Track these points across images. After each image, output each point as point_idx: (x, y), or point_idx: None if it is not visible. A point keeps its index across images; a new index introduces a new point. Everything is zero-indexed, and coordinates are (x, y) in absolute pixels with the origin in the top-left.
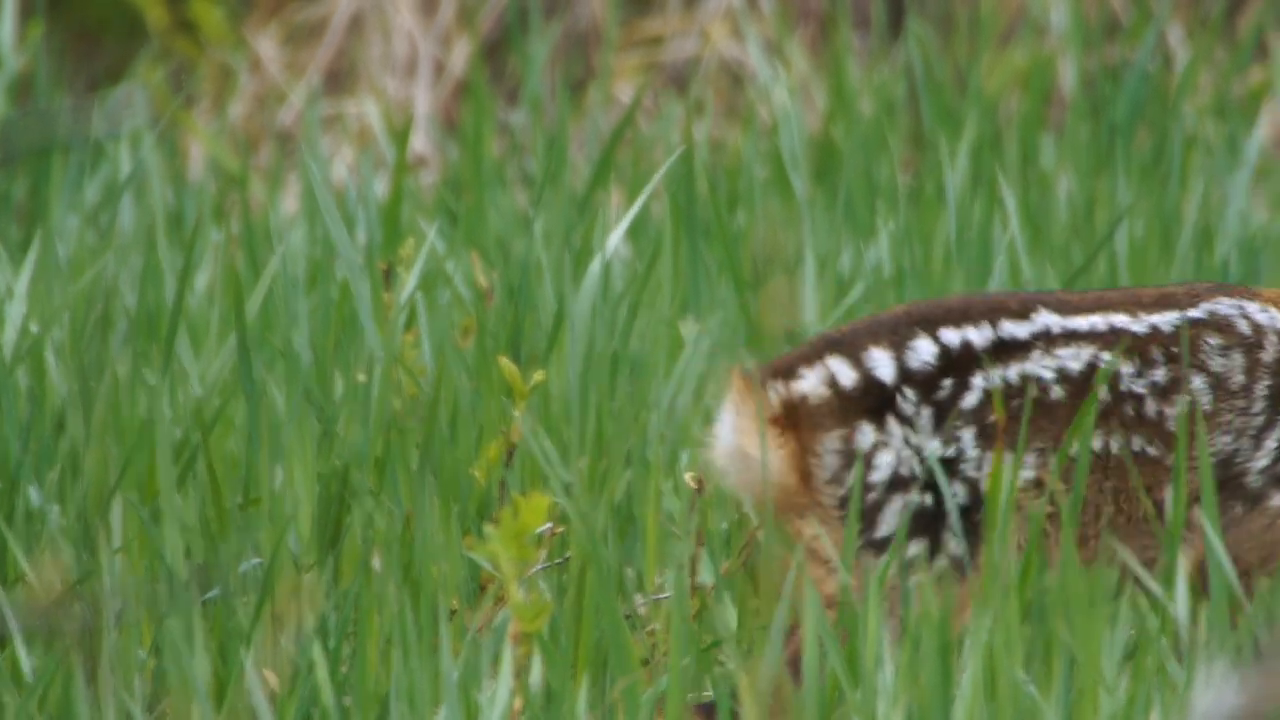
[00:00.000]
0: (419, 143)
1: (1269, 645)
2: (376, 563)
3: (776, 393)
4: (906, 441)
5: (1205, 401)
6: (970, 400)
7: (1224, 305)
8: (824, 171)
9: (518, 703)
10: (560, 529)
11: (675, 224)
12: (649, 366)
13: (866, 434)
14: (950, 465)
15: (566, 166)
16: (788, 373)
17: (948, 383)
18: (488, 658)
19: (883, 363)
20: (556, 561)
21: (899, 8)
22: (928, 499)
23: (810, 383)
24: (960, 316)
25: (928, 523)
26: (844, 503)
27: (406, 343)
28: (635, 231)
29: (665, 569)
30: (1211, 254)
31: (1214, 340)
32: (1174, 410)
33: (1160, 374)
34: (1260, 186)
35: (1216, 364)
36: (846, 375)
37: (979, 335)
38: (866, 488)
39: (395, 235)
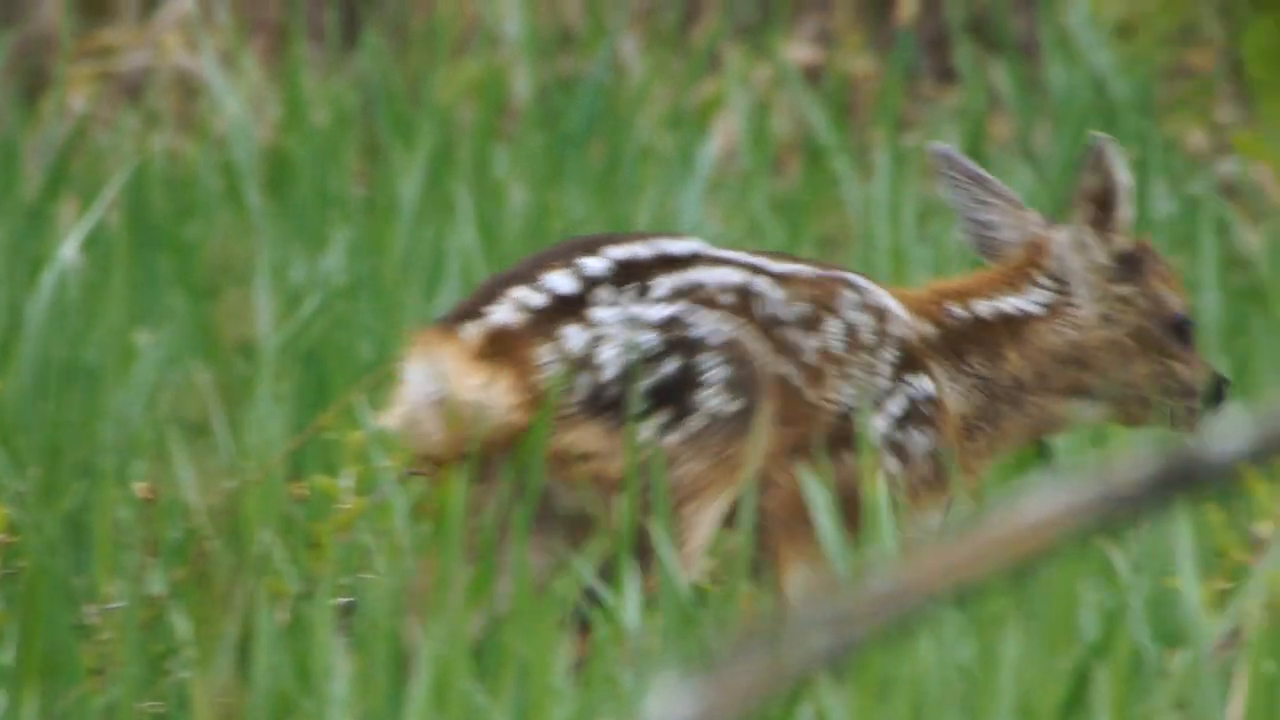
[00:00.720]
0: None
1: (721, 653)
2: None
3: (469, 332)
4: (623, 324)
5: (840, 346)
6: (659, 291)
7: (853, 275)
8: (278, 182)
9: None
10: (13, 539)
11: (129, 234)
12: (102, 376)
13: (574, 335)
14: (674, 324)
15: (20, 177)
16: (473, 314)
17: (631, 282)
18: None
19: (562, 281)
20: (8, 572)
21: (354, 18)
22: (670, 366)
23: (504, 313)
24: (615, 240)
25: (670, 390)
26: (585, 404)
27: None
28: (90, 242)
29: (117, 578)
30: None
31: (850, 295)
32: (811, 343)
33: (798, 306)
34: (713, 197)
35: (850, 316)
36: (535, 298)
37: (643, 249)
38: (605, 383)
39: None
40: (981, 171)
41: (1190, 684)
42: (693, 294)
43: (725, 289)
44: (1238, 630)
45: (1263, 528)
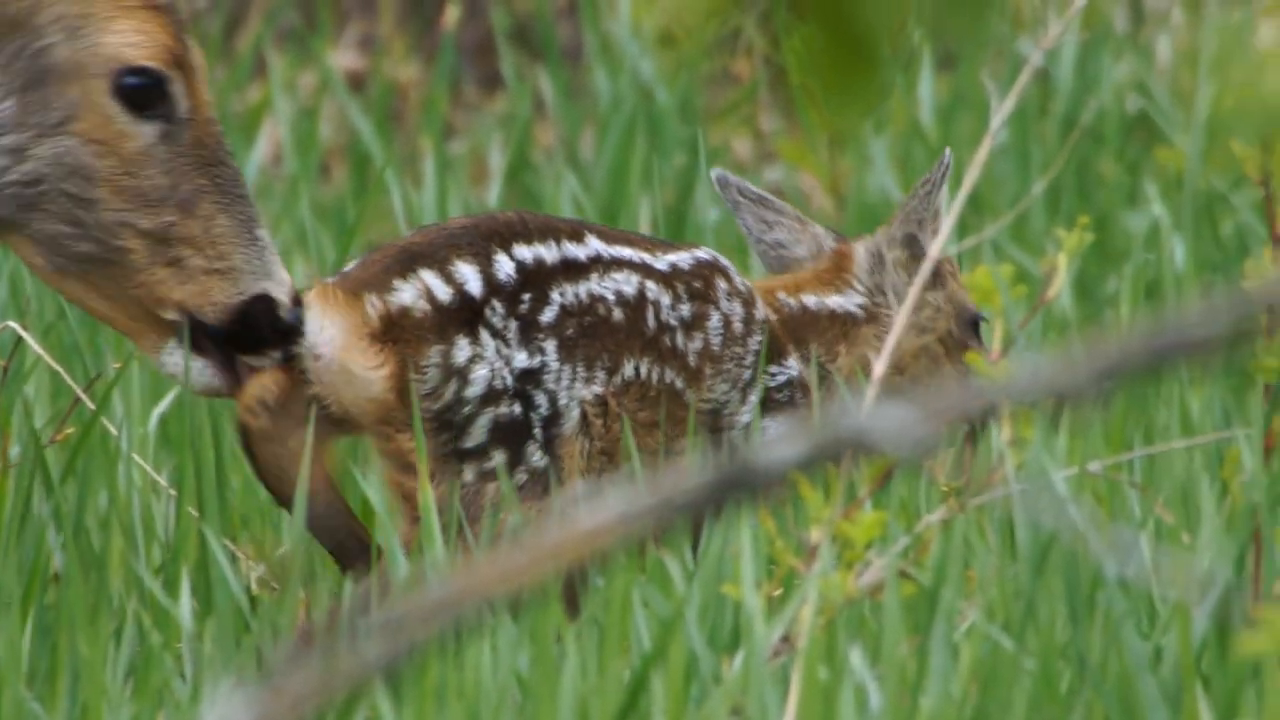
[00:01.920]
0: None
1: (276, 661)
2: None
3: (374, 307)
4: (498, 353)
5: (717, 342)
6: (549, 315)
7: (722, 258)
8: None
9: None
10: None
11: None
12: None
13: (463, 348)
14: (533, 376)
15: None
16: (380, 285)
17: (528, 297)
18: None
19: (470, 276)
20: None
21: None
22: (515, 409)
23: (409, 295)
24: (529, 233)
25: (513, 434)
26: (438, 415)
27: None
28: None
29: None
30: None
31: (722, 284)
32: (695, 345)
33: (685, 309)
34: (259, 203)
35: (724, 306)
36: (441, 289)
37: (548, 253)
38: (461, 401)
39: None
40: (762, 192)
41: (746, 690)
42: (585, 313)
43: (621, 301)
44: (790, 637)
45: (814, 534)
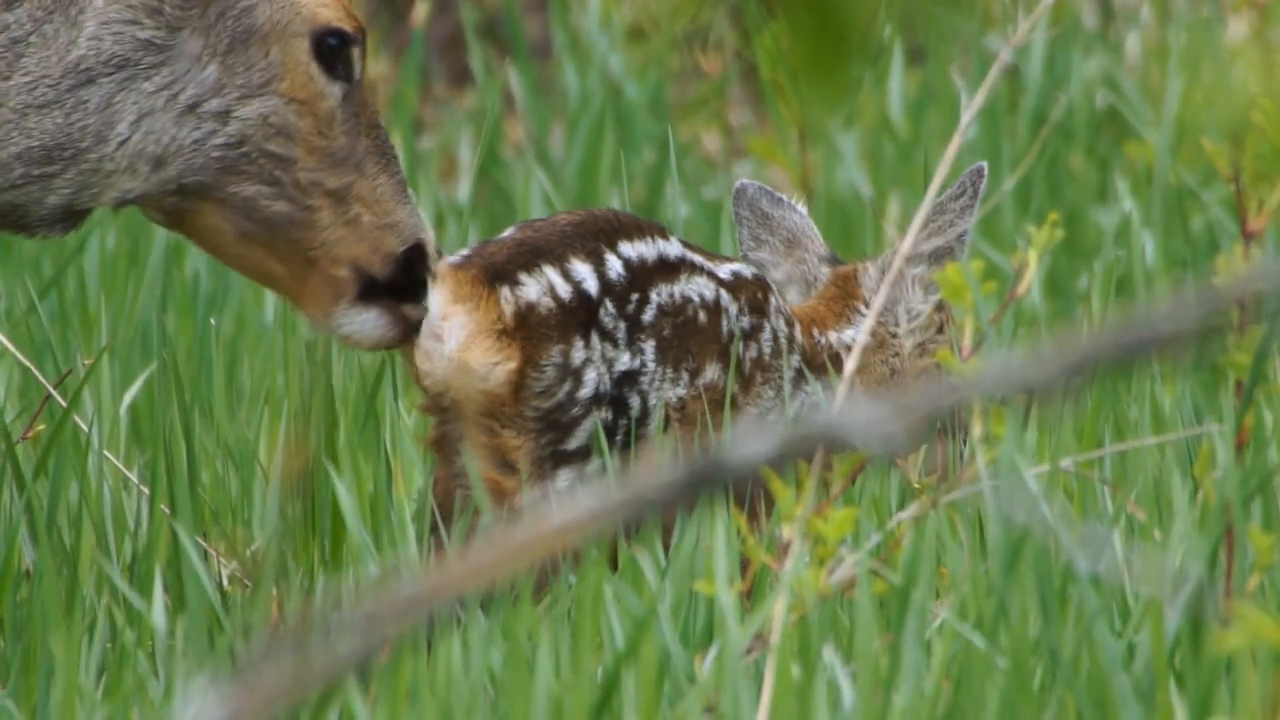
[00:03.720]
0: None
1: (248, 658)
2: None
3: (506, 301)
4: (604, 356)
5: (769, 352)
6: (649, 315)
7: (766, 277)
8: None
9: None
10: None
11: None
12: None
13: (579, 349)
14: (631, 378)
15: None
16: (509, 277)
17: (635, 296)
18: None
19: (587, 275)
20: None
21: None
22: (609, 415)
23: (534, 291)
24: (629, 232)
25: (606, 438)
26: (546, 415)
27: None
28: None
29: None
30: (182, 267)
31: (773, 300)
32: (751, 354)
33: (747, 320)
34: None
35: (774, 321)
36: (562, 286)
37: (649, 250)
38: (572, 403)
39: None
40: (772, 211)
41: (719, 688)
42: (677, 315)
43: (704, 305)
44: (762, 634)
45: (786, 531)
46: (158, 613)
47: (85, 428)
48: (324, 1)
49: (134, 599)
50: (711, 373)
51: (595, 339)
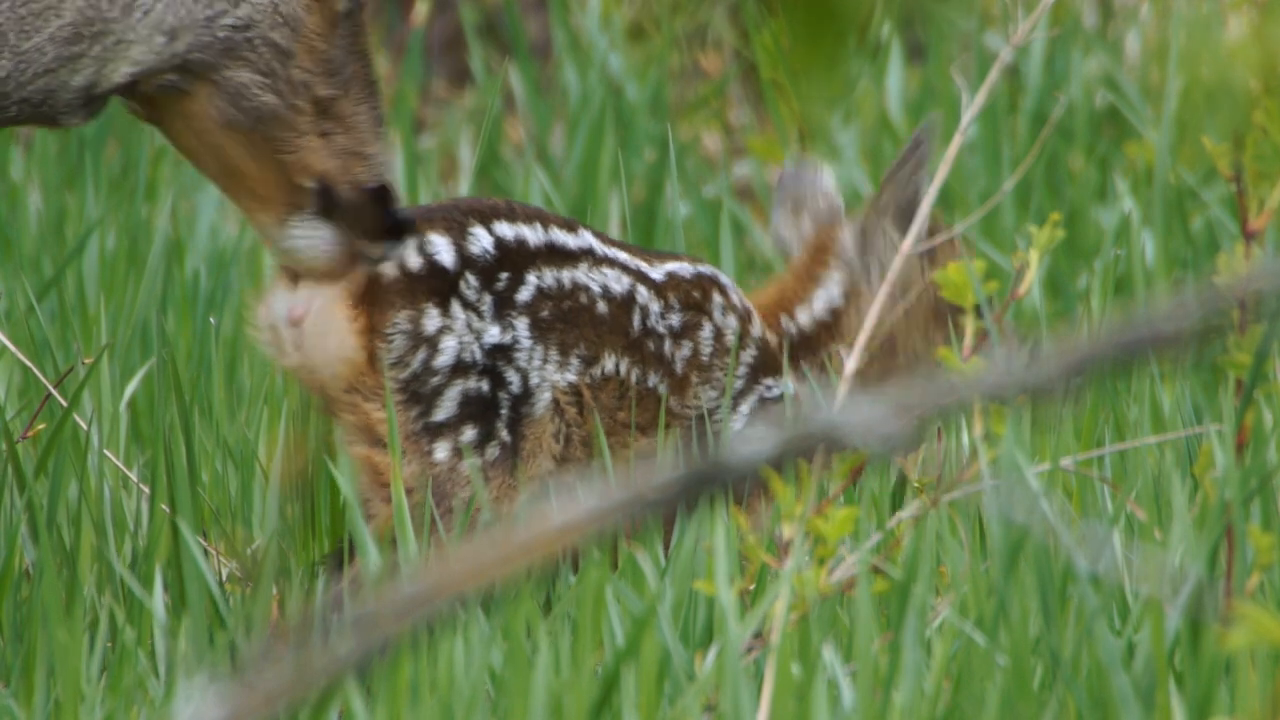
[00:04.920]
0: None
1: (248, 657)
2: None
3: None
4: (469, 326)
5: (707, 352)
6: (525, 294)
7: (722, 275)
8: None
9: None
10: None
11: None
12: None
13: (433, 317)
14: (505, 352)
15: None
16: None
17: (505, 275)
18: None
19: (443, 248)
20: None
21: None
22: (484, 386)
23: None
24: (510, 214)
25: (482, 410)
26: (406, 385)
27: None
28: None
29: None
30: (183, 267)
31: (718, 298)
32: (682, 353)
33: (676, 318)
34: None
35: (719, 319)
36: (412, 258)
37: (532, 234)
38: (430, 371)
39: None
40: (803, 193)
41: (719, 687)
42: (563, 299)
43: (608, 296)
44: (762, 633)
45: (786, 530)
46: (158, 611)
47: (85, 427)
48: None
49: (136, 588)
50: (614, 364)
51: (456, 308)
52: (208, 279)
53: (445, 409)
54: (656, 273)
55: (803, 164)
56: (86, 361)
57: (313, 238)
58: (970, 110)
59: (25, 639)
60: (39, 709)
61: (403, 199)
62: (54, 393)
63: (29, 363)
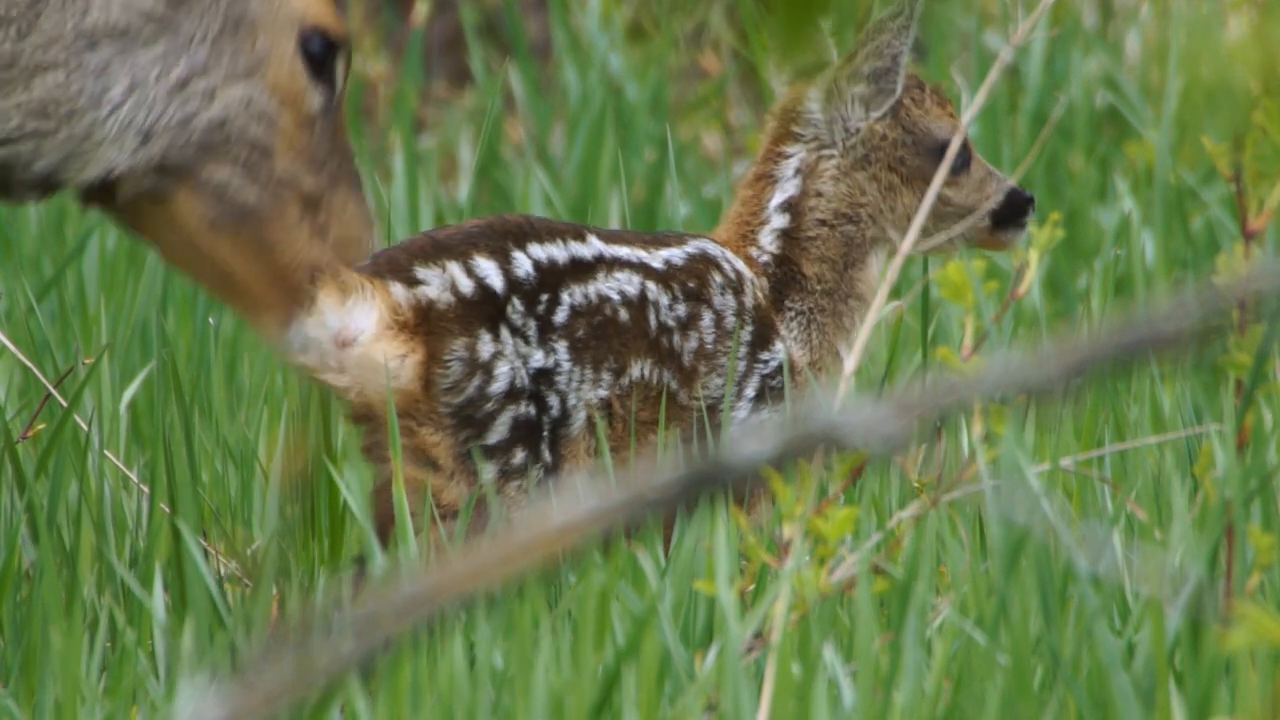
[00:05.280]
0: None
1: (248, 657)
2: None
3: (404, 296)
4: (517, 351)
5: (710, 339)
6: (561, 315)
7: (710, 245)
8: None
9: None
10: None
11: None
12: None
13: (486, 343)
14: (546, 377)
15: None
16: (404, 273)
17: (545, 297)
18: None
19: (491, 271)
20: None
21: None
22: (531, 410)
23: (435, 286)
24: (539, 234)
25: (529, 433)
26: (459, 410)
27: None
28: None
29: None
30: None
31: (716, 278)
32: (690, 345)
33: (682, 309)
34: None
35: (718, 301)
36: (464, 282)
37: (560, 252)
38: (485, 397)
39: None
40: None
41: (720, 686)
42: (593, 315)
43: (626, 302)
44: (763, 633)
45: (786, 530)
46: (159, 611)
47: (85, 427)
48: (313, 3)
49: (136, 588)
50: (639, 370)
51: (505, 334)
52: None
53: (497, 433)
54: (657, 261)
55: None
56: (87, 362)
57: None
58: (970, 110)
59: (25, 639)
60: (38, 710)
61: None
62: (54, 393)
63: (29, 363)
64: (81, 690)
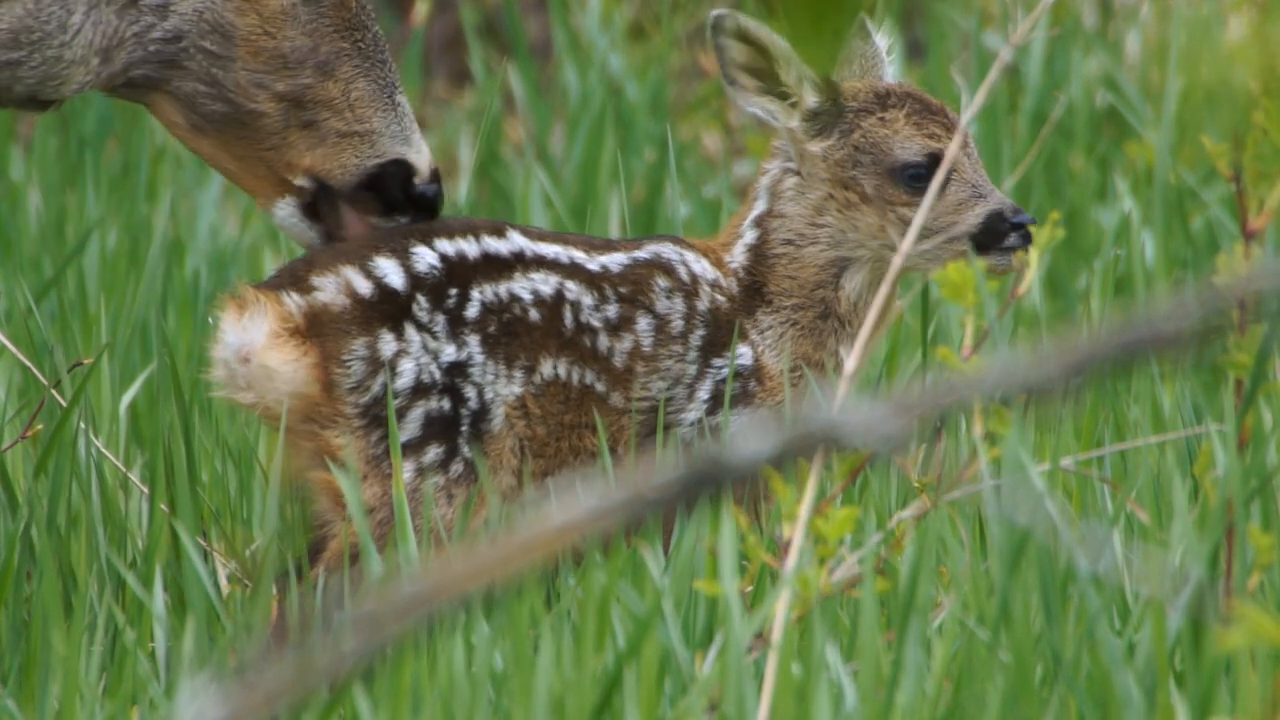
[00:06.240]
0: None
1: (249, 658)
2: None
3: (294, 302)
4: (424, 347)
5: (648, 343)
6: (473, 311)
7: (667, 249)
8: None
9: None
10: None
11: None
12: None
13: (389, 341)
14: (460, 370)
15: None
16: (299, 282)
17: (454, 291)
18: None
19: (391, 270)
20: None
21: None
22: (445, 405)
23: (329, 291)
24: (450, 230)
25: (445, 429)
26: (366, 410)
27: None
28: None
29: None
30: (183, 266)
31: (662, 281)
32: (622, 346)
33: (612, 310)
34: (229, 201)
35: (662, 305)
36: (362, 284)
37: (470, 247)
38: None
39: None
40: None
41: (721, 686)
42: (502, 312)
43: (538, 302)
44: (763, 633)
45: (788, 531)
46: (159, 611)
47: (85, 427)
48: None
49: (136, 588)
50: (550, 368)
51: (411, 331)
52: (208, 279)
53: (409, 430)
54: (593, 264)
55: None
56: (86, 362)
57: (297, 226)
58: (970, 110)
59: (25, 640)
60: (38, 710)
61: (425, 167)
62: (54, 393)
63: (29, 363)
64: (81, 690)
